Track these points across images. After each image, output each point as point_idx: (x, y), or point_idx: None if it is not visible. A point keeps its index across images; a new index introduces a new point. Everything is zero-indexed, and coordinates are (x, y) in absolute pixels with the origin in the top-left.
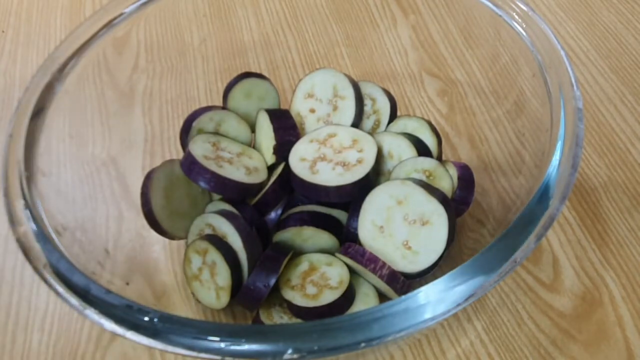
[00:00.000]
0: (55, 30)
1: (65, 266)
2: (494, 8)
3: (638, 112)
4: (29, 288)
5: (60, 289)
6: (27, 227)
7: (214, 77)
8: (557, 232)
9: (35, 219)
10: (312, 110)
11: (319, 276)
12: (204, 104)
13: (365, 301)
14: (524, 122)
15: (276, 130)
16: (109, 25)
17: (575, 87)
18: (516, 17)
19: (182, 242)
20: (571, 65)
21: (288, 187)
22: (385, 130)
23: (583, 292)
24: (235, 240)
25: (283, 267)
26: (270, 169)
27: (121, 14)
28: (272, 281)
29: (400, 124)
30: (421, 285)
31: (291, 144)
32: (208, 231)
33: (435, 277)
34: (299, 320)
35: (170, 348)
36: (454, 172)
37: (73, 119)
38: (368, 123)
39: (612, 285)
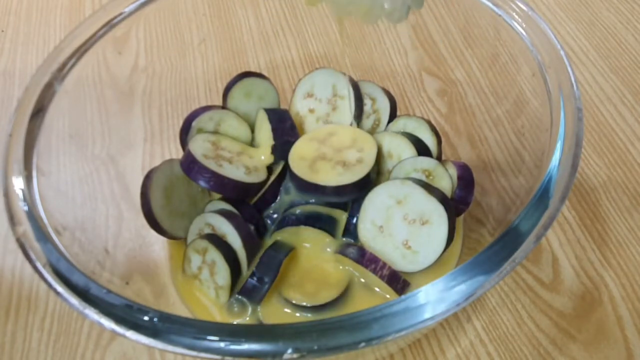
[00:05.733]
0: (55, 30)
1: (65, 266)
2: (494, 8)
3: (637, 112)
4: (29, 287)
5: (60, 288)
6: (27, 226)
7: (213, 77)
8: (557, 232)
9: (35, 218)
10: (312, 110)
11: (318, 275)
12: (203, 104)
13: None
14: (523, 121)
15: (274, 130)
16: (108, 25)
17: (575, 87)
18: (516, 16)
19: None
20: (571, 65)
21: (287, 187)
22: (385, 130)
23: (583, 291)
24: (234, 239)
25: (282, 266)
26: (271, 168)
27: (121, 14)
28: (271, 280)
29: (400, 124)
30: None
31: (289, 144)
32: (207, 231)
33: (435, 277)
34: (299, 319)
35: (170, 348)
36: (453, 171)
37: (73, 119)
38: (368, 122)
39: (611, 285)
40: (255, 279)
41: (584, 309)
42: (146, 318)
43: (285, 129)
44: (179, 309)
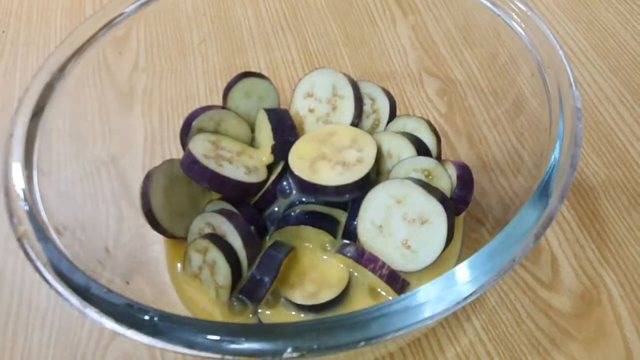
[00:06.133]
0: (55, 31)
1: (66, 265)
2: (493, 8)
3: (636, 112)
4: (30, 287)
5: (61, 288)
6: (28, 226)
7: (213, 77)
8: (556, 231)
9: (36, 218)
10: (312, 110)
11: (318, 275)
12: (203, 104)
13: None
14: (522, 121)
15: (274, 130)
16: (109, 25)
17: (574, 87)
18: (515, 16)
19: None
20: (570, 65)
21: (287, 187)
22: (384, 130)
23: (582, 291)
24: (235, 239)
25: (282, 266)
26: (271, 168)
27: (121, 14)
28: (272, 280)
29: (399, 124)
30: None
31: (289, 143)
32: (208, 230)
33: (434, 276)
34: (299, 318)
35: (170, 347)
36: (453, 171)
37: (73, 119)
38: (367, 122)
39: (610, 285)
40: (255, 279)
41: (583, 308)
42: (147, 317)
43: (285, 129)
44: (179, 309)
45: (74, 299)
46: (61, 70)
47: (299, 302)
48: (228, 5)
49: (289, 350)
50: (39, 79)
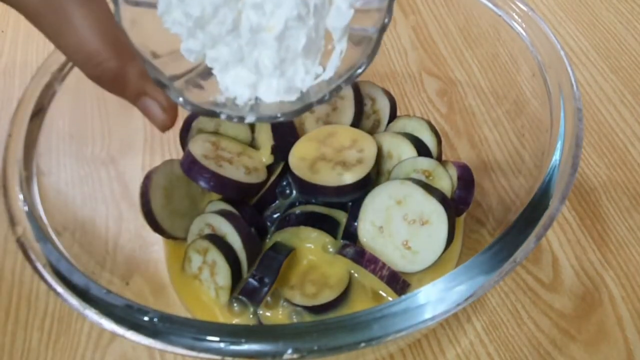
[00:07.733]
0: None
1: (65, 266)
2: (494, 8)
3: (637, 112)
4: (29, 288)
5: (60, 288)
6: (27, 226)
7: None
8: (557, 232)
9: (35, 218)
10: (312, 111)
11: (318, 276)
12: None
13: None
14: (523, 122)
15: (274, 131)
16: None
17: (575, 87)
18: (516, 17)
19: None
20: (571, 65)
21: (287, 187)
22: (384, 130)
23: (583, 292)
24: (235, 240)
25: (283, 267)
26: (271, 168)
27: None
28: (272, 281)
29: (399, 124)
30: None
31: (289, 144)
32: (208, 231)
33: (435, 277)
34: (300, 319)
35: (170, 348)
36: (453, 172)
37: (73, 119)
38: (368, 123)
39: (611, 285)
40: (255, 279)
41: (584, 309)
42: (146, 318)
43: (285, 129)
44: (179, 309)
45: (73, 300)
46: (61, 70)
47: (299, 303)
48: None
49: (289, 351)
50: (39, 79)
